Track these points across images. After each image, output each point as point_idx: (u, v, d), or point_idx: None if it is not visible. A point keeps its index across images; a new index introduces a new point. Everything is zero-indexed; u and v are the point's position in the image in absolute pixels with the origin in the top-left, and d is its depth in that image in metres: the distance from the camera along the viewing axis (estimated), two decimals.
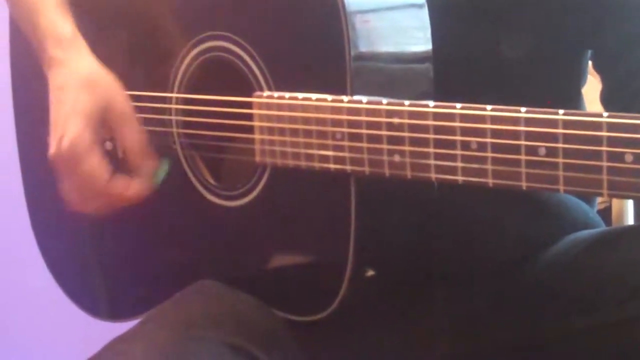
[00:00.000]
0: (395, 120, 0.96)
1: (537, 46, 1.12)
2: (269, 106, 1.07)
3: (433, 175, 0.94)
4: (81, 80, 1.14)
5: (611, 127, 0.82)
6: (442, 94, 1.00)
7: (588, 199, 1.23)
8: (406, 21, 1.06)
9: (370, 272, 1.09)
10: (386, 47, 1.05)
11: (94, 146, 1.13)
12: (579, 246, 1.17)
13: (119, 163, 1.17)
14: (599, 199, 1.25)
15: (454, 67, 1.08)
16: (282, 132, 1.06)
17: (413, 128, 0.95)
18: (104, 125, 1.14)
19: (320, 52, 1.05)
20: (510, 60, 1.12)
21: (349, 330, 1.15)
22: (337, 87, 1.01)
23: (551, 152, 0.85)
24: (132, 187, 1.15)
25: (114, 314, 1.35)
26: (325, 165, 1.02)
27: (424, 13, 1.05)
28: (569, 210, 1.20)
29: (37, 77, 1.20)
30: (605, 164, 0.82)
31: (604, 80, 1.17)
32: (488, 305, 1.18)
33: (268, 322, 1.12)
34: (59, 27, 1.17)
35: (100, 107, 1.14)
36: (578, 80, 1.21)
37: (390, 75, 1.05)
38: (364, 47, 1.02)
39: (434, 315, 1.18)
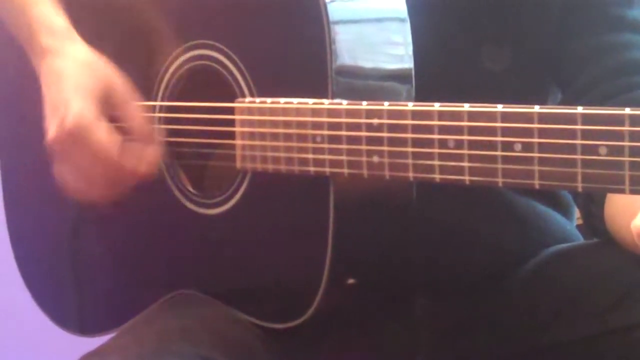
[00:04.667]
0: (375, 120, 0.97)
1: (517, 59, 1.14)
2: (250, 111, 1.08)
3: (411, 175, 0.95)
4: (80, 63, 1.14)
5: (586, 119, 0.83)
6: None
7: (566, 212, 1.23)
8: (389, 34, 1.08)
9: (351, 280, 1.09)
10: (368, 57, 1.06)
11: (101, 119, 1.11)
12: (558, 259, 1.17)
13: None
14: (577, 214, 1.25)
15: (436, 80, 1.09)
16: (262, 136, 1.06)
17: (392, 128, 0.96)
18: (107, 105, 1.13)
19: (302, 61, 1.06)
20: (490, 72, 1.13)
21: (326, 342, 1.15)
22: (319, 96, 1.02)
23: (527, 147, 0.86)
24: (149, 153, 1.13)
25: (87, 328, 1.33)
26: (305, 168, 1.03)
27: (407, 27, 1.06)
28: (547, 224, 1.20)
29: (19, 79, 1.21)
30: (579, 157, 0.83)
31: (563, 92, 1.18)
32: (468, 317, 1.18)
33: (243, 335, 1.12)
34: (52, 19, 1.17)
35: (103, 87, 1.13)
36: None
37: (371, 85, 1.06)
38: (346, 57, 1.03)
39: (413, 326, 1.18)
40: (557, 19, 1.14)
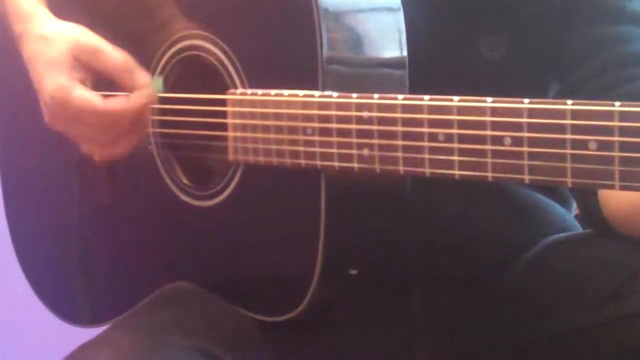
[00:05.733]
0: (365, 113, 0.96)
1: (514, 48, 1.12)
2: (242, 103, 1.07)
3: (401, 168, 0.94)
4: (44, 42, 1.14)
5: (575, 114, 0.81)
6: (420, 94, 0.99)
7: (565, 202, 1.22)
8: (381, 24, 1.06)
9: (353, 272, 1.08)
10: (360, 48, 1.05)
11: (72, 84, 1.11)
12: (556, 249, 1.16)
13: None
14: (575, 205, 1.24)
15: (434, 68, 1.08)
16: (254, 129, 1.05)
17: (382, 121, 0.95)
18: (80, 66, 1.12)
19: (293, 51, 1.05)
20: (488, 61, 1.12)
21: (322, 333, 1.14)
22: (309, 87, 1.01)
23: (516, 141, 0.85)
24: (133, 99, 1.10)
25: (90, 319, 1.33)
26: (296, 161, 1.02)
27: (400, 16, 1.05)
28: (545, 213, 1.19)
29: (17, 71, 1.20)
30: (569, 152, 0.82)
31: (561, 84, 1.17)
32: (467, 309, 1.18)
33: (239, 326, 1.11)
34: (20, 3, 1.17)
35: (67, 49, 1.12)
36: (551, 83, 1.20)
37: (363, 76, 1.05)
38: (336, 48, 1.02)
39: (412, 318, 1.18)
40: (557, 10, 1.13)
